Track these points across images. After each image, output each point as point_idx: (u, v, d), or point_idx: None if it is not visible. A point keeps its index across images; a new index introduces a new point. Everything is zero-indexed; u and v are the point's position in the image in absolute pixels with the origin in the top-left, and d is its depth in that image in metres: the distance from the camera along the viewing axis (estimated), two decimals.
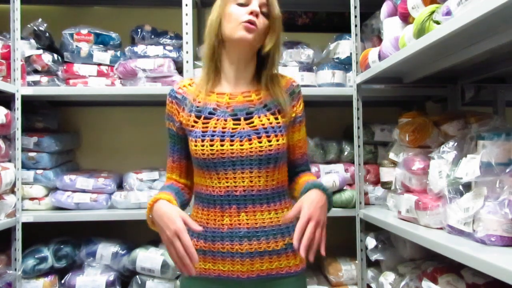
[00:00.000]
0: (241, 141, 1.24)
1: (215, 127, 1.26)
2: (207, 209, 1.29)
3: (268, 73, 1.31)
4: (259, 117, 1.27)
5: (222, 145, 1.24)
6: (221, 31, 1.28)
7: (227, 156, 1.24)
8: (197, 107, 1.30)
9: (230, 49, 1.30)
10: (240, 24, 1.23)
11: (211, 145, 1.24)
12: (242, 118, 1.27)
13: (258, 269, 1.26)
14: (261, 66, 1.32)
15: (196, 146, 1.26)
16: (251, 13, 1.23)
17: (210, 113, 1.28)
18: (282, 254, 1.28)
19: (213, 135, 1.25)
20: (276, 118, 1.29)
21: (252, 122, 1.26)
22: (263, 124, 1.26)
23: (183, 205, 1.35)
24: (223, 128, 1.25)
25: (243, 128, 1.26)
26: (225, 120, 1.26)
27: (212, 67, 1.31)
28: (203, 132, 1.26)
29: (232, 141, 1.24)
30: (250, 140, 1.24)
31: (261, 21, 1.25)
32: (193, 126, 1.29)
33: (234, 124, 1.26)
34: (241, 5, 1.26)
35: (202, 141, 1.25)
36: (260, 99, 1.30)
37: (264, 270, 1.26)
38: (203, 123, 1.27)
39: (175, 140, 1.36)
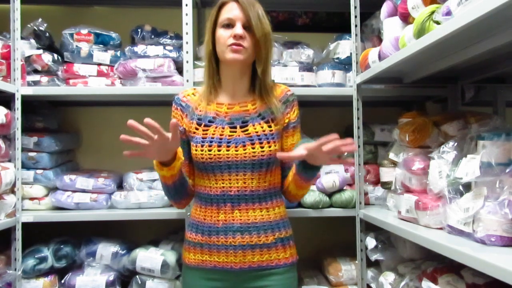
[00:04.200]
0: (236, 147, 1.37)
1: (213, 134, 1.39)
2: (205, 206, 1.42)
3: (261, 84, 1.42)
4: (253, 125, 1.40)
5: (219, 150, 1.37)
6: (215, 52, 1.39)
7: (223, 160, 1.37)
8: (199, 115, 1.43)
9: (225, 67, 1.42)
10: (227, 47, 1.35)
11: (210, 150, 1.38)
12: (238, 126, 1.40)
13: (250, 260, 1.38)
14: (256, 76, 1.41)
15: (196, 150, 1.40)
16: (234, 36, 1.34)
17: (209, 121, 1.42)
18: (272, 248, 1.41)
19: (211, 141, 1.38)
20: (270, 126, 1.41)
21: (247, 130, 1.40)
22: (256, 132, 1.39)
23: (186, 188, 1.46)
24: (220, 135, 1.39)
25: (239, 135, 1.39)
26: (223, 128, 1.40)
27: (212, 83, 1.44)
28: (203, 138, 1.40)
29: (228, 147, 1.37)
30: (244, 146, 1.37)
31: (247, 40, 1.35)
32: (194, 133, 1.42)
33: (230, 132, 1.39)
34: (227, 26, 1.36)
35: (202, 146, 1.39)
36: (255, 109, 1.42)
37: (255, 262, 1.39)
38: (203, 130, 1.41)
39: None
